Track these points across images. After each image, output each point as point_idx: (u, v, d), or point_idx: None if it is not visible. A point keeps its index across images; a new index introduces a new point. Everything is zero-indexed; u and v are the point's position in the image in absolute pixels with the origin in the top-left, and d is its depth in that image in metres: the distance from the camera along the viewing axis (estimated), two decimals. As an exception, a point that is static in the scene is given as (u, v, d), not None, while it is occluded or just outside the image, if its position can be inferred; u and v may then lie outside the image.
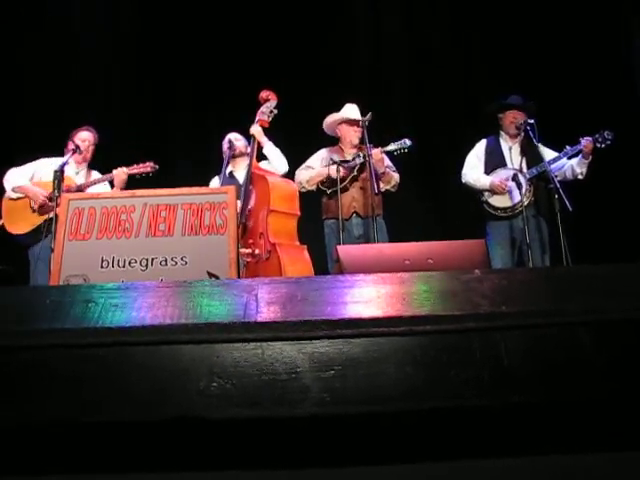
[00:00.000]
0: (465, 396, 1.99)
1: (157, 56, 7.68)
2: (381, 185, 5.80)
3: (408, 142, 5.82)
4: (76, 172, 5.79)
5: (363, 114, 5.96)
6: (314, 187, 5.99)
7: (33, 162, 5.86)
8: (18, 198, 5.68)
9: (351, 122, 6.07)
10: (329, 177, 5.85)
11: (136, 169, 5.75)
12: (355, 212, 5.86)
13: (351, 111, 6.13)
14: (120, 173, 5.69)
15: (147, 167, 5.77)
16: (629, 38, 7.21)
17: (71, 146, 5.87)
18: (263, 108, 5.55)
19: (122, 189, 5.65)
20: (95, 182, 5.79)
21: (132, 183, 5.67)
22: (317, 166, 6.05)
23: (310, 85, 7.25)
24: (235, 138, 6.00)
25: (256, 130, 5.55)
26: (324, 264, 5.60)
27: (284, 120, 5.75)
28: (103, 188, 5.82)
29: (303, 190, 5.92)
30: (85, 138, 5.91)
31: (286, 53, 7.49)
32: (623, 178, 6.67)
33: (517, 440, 2.13)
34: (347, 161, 5.90)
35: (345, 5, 7.93)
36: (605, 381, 2.03)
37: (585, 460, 2.08)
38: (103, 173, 5.92)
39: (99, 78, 7.63)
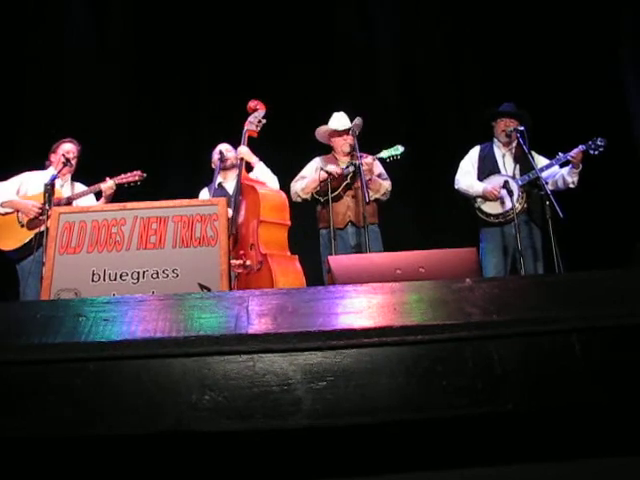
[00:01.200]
0: (458, 406, 1.99)
1: (147, 66, 7.68)
2: (370, 193, 5.80)
3: (400, 148, 5.82)
4: (61, 185, 5.72)
5: (353, 119, 5.98)
6: (309, 196, 5.99)
7: (17, 176, 5.80)
8: (6, 213, 5.62)
9: (340, 132, 6.08)
10: (322, 184, 5.84)
11: (124, 179, 5.69)
12: (350, 221, 5.85)
13: (339, 121, 6.13)
14: (109, 184, 5.64)
15: (135, 176, 5.72)
16: (616, 48, 7.25)
17: (54, 158, 5.85)
18: (251, 118, 5.55)
19: (110, 200, 5.62)
20: (84, 194, 5.73)
21: (122, 194, 5.63)
22: (311, 175, 6.05)
23: (302, 94, 7.26)
24: (226, 149, 5.98)
25: (244, 151, 5.52)
26: (319, 274, 5.59)
27: (277, 129, 5.75)
28: (88, 200, 5.77)
29: (299, 200, 5.93)
30: (69, 150, 5.86)
31: (278, 62, 7.51)
32: (614, 184, 6.69)
33: (511, 448, 2.12)
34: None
35: (338, 14, 7.95)
36: (598, 388, 2.03)
37: (579, 467, 2.07)
38: (89, 185, 5.88)
39: (90, 89, 7.61)
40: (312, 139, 6.27)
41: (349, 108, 6.23)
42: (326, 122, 6.21)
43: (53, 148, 5.95)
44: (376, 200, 5.91)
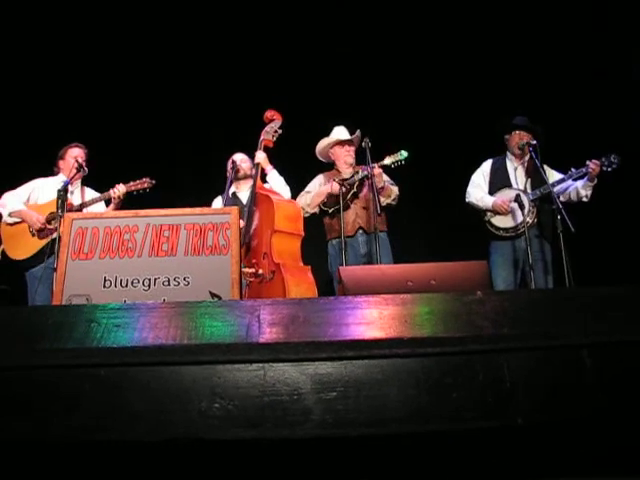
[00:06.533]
0: (468, 418, 1.99)
1: (163, 75, 7.70)
2: (382, 199, 5.80)
3: (405, 153, 5.79)
4: (71, 192, 5.68)
5: (356, 133, 6.02)
6: (316, 209, 5.98)
7: (28, 183, 5.76)
8: (15, 223, 5.62)
9: (342, 143, 6.10)
10: (329, 195, 5.85)
11: (133, 186, 5.64)
12: (360, 227, 5.85)
13: (340, 133, 6.15)
14: (117, 191, 5.61)
15: (144, 183, 5.66)
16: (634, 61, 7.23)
17: (63, 165, 5.85)
18: (267, 128, 5.55)
19: (120, 207, 5.61)
20: (95, 201, 5.71)
21: (135, 200, 5.62)
22: (315, 189, 6.06)
23: (312, 109, 7.27)
24: (241, 160, 5.97)
25: (261, 157, 5.54)
26: (329, 286, 5.58)
27: (288, 145, 5.76)
28: (99, 207, 5.76)
29: (306, 215, 5.92)
30: (77, 155, 5.83)
31: (288, 74, 7.52)
32: (626, 199, 6.67)
33: (519, 462, 2.12)
34: (347, 179, 5.91)
35: (345, 25, 7.94)
36: (609, 404, 2.03)
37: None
38: (99, 189, 5.86)
39: (104, 95, 7.61)
40: (313, 155, 6.30)
41: (357, 120, 6.23)
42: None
43: (61, 154, 5.91)
44: (386, 206, 5.91)
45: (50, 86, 7.47)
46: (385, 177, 5.93)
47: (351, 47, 7.83)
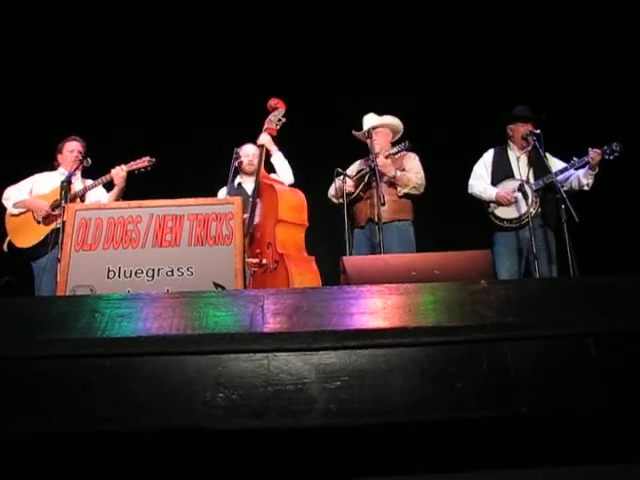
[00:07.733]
0: (472, 407, 1.99)
1: (165, 66, 7.68)
2: (398, 189, 5.79)
3: (408, 144, 5.82)
4: (72, 182, 5.66)
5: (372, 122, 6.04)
6: (341, 199, 5.97)
7: (28, 178, 5.80)
8: (20, 213, 5.65)
9: (368, 133, 6.09)
10: (342, 187, 5.85)
11: (134, 165, 5.60)
12: (370, 218, 5.84)
13: (368, 122, 6.14)
14: (119, 171, 5.58)
15: (144, 162, 5.61)
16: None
17: (61, 159, 5.85)
18: (271, 116, 5.53)
19: (123, 190, 5.60)
20: (96, 184, 5.70)
21: (139, 190, 5.59)
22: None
23: (321, 95, 7.26)
24: (253, 154, 5.94)
25: (265, 139, 5.53)
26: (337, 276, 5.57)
27: (295, 132, 5.74)
28: (99, 192, 5.76)
29: (336, 202, 5.95)
30: (74, 148, 5.84)
31: (296, 62, 7.51)
32: (631, 188, 6.65)
33: (523, 451, 2.12)
34: (361, 170, 5.92)
35: (353, 15, 7.91)
36: (612, 392, 2.02)
37: (590, 472, 2.07)
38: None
39: (105, 85, 7.60)
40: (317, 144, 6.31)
41: (363, 111, 6.22)
42: (345, 124, 6.24)
43: (59, 148, 5.93)
44: (406, 195, 5.89)
45: (49, 78, 7.46)
46: (410, 164, 5.93)
47: (355, 43, 7.81)
